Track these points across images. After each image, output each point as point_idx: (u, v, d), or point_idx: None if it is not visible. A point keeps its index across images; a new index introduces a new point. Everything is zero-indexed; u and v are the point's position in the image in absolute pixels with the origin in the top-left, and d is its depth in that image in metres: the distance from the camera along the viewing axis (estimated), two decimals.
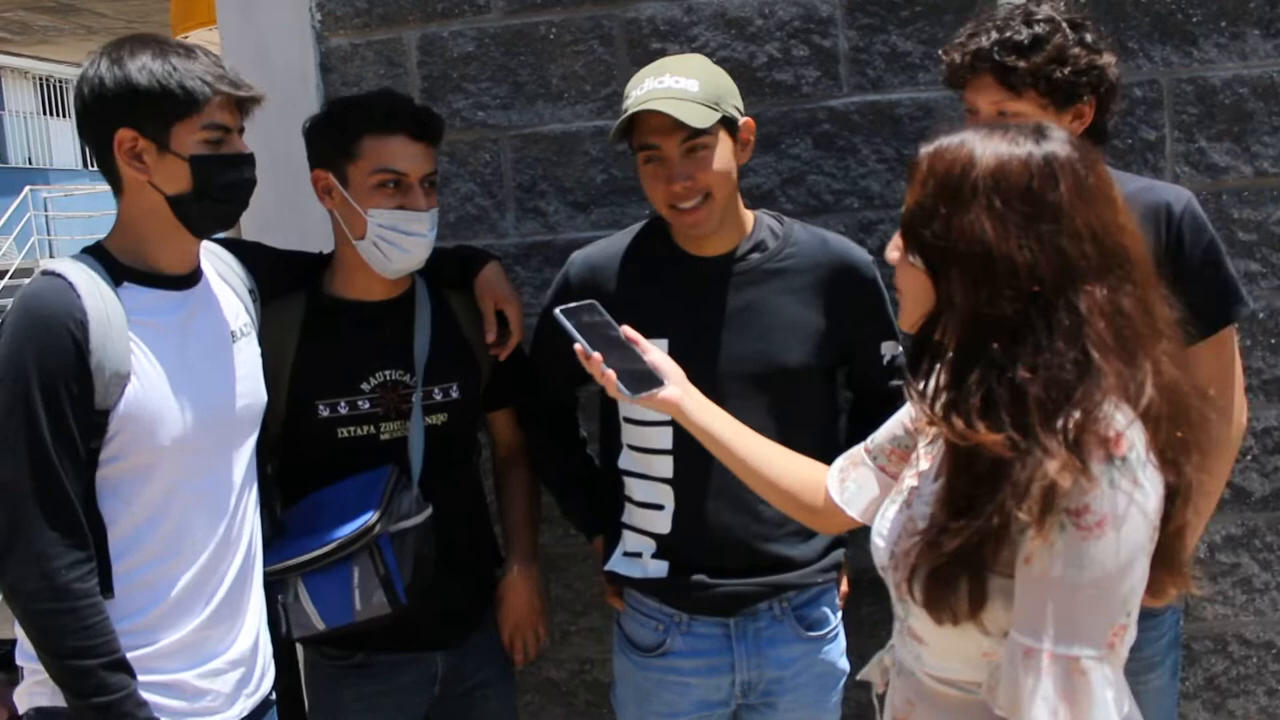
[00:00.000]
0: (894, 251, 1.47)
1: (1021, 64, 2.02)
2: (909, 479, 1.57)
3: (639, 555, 2.28)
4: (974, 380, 1.32)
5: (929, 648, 1.46)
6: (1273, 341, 2.70)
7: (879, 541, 1.55)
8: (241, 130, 1.96)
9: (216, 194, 1.92)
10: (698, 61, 2.23)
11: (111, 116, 1.87)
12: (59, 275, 1.84)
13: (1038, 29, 2.04)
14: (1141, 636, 2.20)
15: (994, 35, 2.05)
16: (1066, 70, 2.03)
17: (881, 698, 1.66)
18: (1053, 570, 1.27)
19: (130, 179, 1.90)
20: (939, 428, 1.40)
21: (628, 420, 2.25)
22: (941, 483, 1.40)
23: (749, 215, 2.28)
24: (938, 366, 1.41)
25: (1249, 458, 2.71)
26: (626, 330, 1.84)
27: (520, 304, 2.40)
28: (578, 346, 1.78)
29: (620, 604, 2.37)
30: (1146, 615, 2.18)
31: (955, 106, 2.57)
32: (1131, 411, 1.30)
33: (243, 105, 1.95)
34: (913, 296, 1.45)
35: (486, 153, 2.90)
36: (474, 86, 2.89)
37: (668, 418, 2.18)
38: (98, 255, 1.92)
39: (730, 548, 2.18)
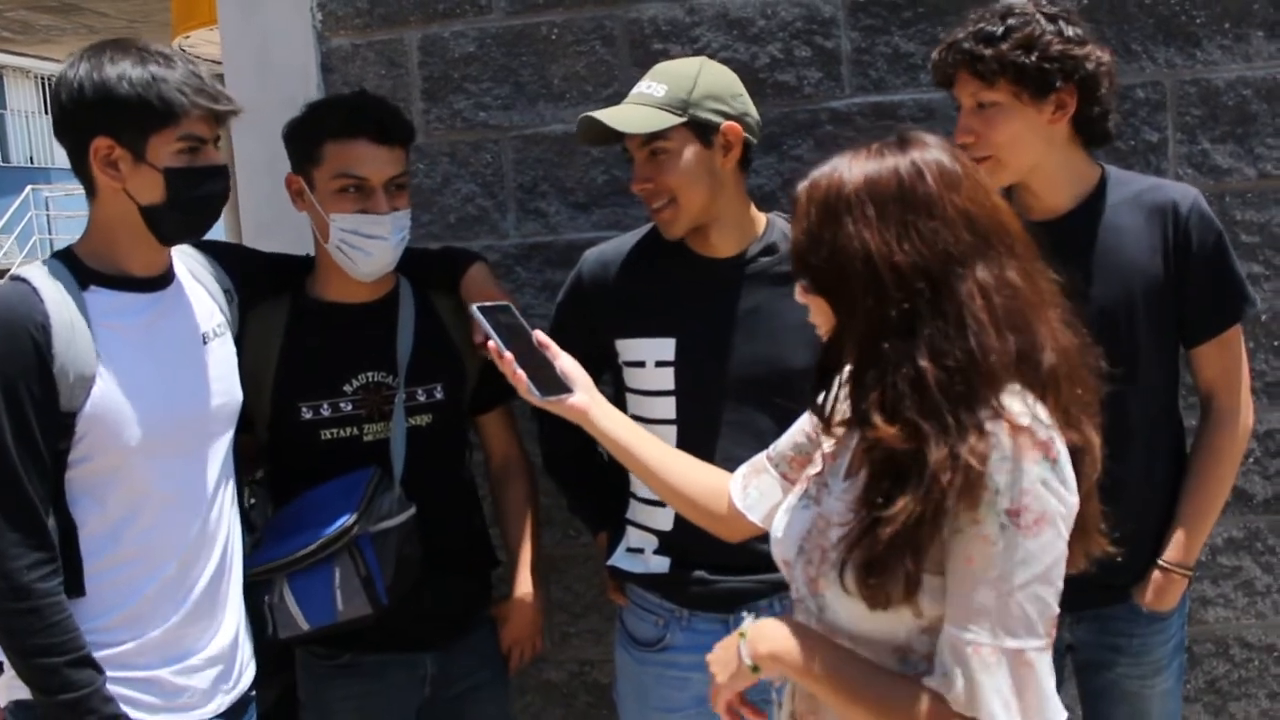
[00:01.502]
0: (799, 293, 1.53)
1: (988, 52, 2.05)
2: (810, 472, 1.63)
3: (641, 551, 2.29)
4: (870, 379, 1.39)
5: (840, 642, 1.49)
6: (1275, 344, 2.69)
7: (779, 534, 1.60)
8: (218, 139, 1.97)
9: (189, 205, 1.93)
10: (684, 66, 2.24)
11: (89, 123, 1.88)
12: (24, 280, 1.86)
13: (1010, 21, 2.07)
14: (1149, 640, 2.22)
15: (969, 29, 2.10)
16: (1034, 56, 2.04)
17: (779, 690, 1.70)
18: (995, 568, 1.32)
19: (104, 185, 1.91)
20: (830, 436, 1.49)
21: (634, 418, 2.25)
22: (861, 482, 1.44)
23: (760, 217, 2.29)
24: (837, 380, 1.49)
25: (1250, 460, 2.70)
26: (539, 335, 1.87)
27: (508, 296, 2.38)
28: (491, 344, 1.80)
29: (622, 599, 2.38)
30: (1154, 619, 2.20)
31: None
32: (1030, 394, 1.37)
33: (220, 116, 1.95)
34: (822, 325, 1.51)
35: (488, 153, 2.90)
36: (475, 87, 2.88)
37: (673, 417, 2.19)
38: (66, 259, 1.93)
39: (731, 545, 2.18)
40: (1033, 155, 2.12)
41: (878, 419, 1.36)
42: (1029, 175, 2.14)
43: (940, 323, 1.37)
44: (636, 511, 2.31)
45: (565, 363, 1.86)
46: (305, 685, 2.40)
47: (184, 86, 1.86)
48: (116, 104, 1.84)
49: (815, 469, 1.63)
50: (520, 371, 1.78)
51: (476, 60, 2.88)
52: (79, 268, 1.92)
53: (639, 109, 2.16)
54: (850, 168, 1.44)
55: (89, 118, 1.87)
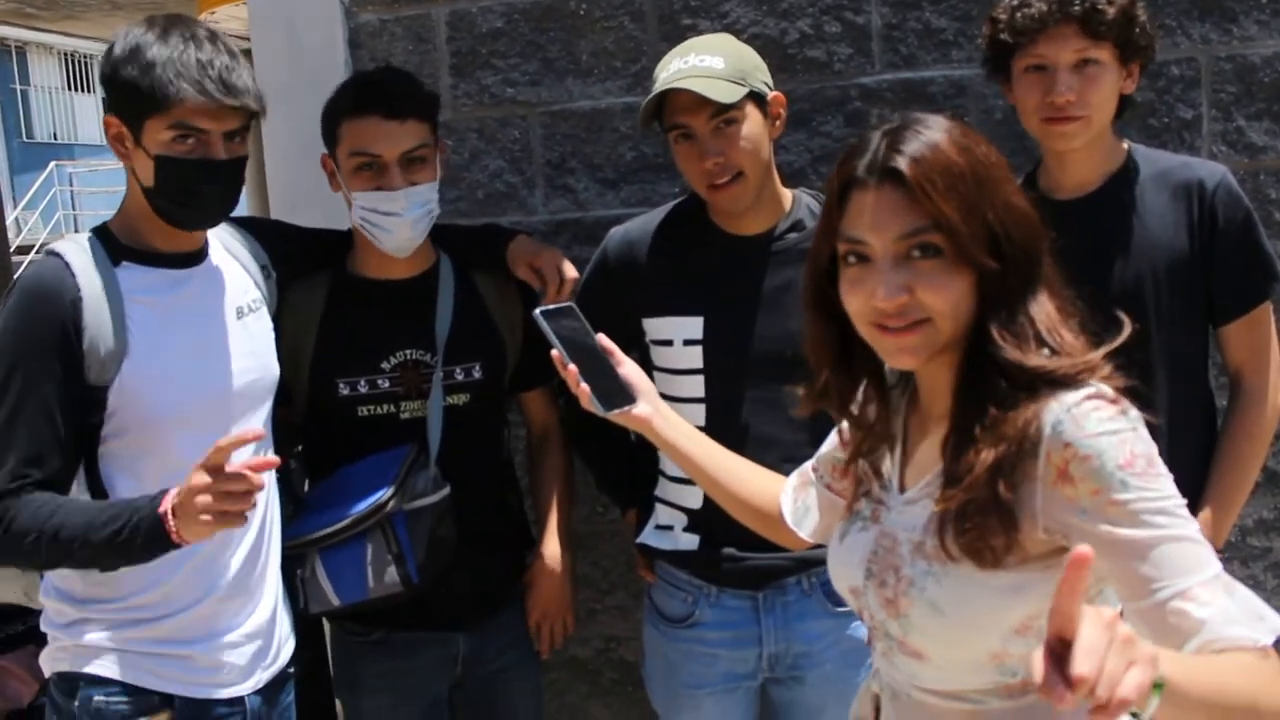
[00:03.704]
0: (938, 274, 1.36)
1: (1111, 9, 2.05)
2: (860, 494, 1.55)
3: (670, 528, 2.30)
4: (1023, 322, 1.34)
5: (930, 661, 1.43)
6: None
7: (845, 566, 1.53)
8: (238, 133, 1.91)
9: (178, 197, 1.90)
10: (723, 39, 2.24)
11: (106, 100, 1.92)
12: (57, 255, 1.89)
13: None
14: None
15: None
16: (1138, 23, 2.09)
17: None
18: (1144, 518, 1.24)
19: (121, 159, 1.94)
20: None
21: (662, 397, 2.25)
22: (949, 438, 1.38)
23: (787, 194, 2.28)
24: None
25: None
26: (602, 339, 1.81)
27: (556, 252, 2.35)
28: (555, 353, 1.76)
29: (651, 576, 2.39)
30: None
31: (988, 85, 2.54)
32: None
33: (234, 110, 1.90)
34: (954, 308, 1.35)
35: (515, 129, 2.89)
36: (503, 63, 2.87)
37: (702, 395, 2.19)
38: (101, 235, 1.95)
39: None
40: (1108, 120, 2.13)
41: (1033, 352, 1.32)
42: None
43: (1045, 285, 1.36)
44: (666, 489, 2.31)
45: (629, 370, 1.80)
46: (337, 661, 2.43)
47: (184, 74, 1.82)
48: (117, 84, 1.86)
49: (863, 490, 1.56)
50: (584, 385, 1.74)
51: (504, 36, 2.87)
52: (112, 243, 1.94)
53: (710, 80, 2.10)
54: (958, 136, 1.36)
55: (106, 94, 1.91)
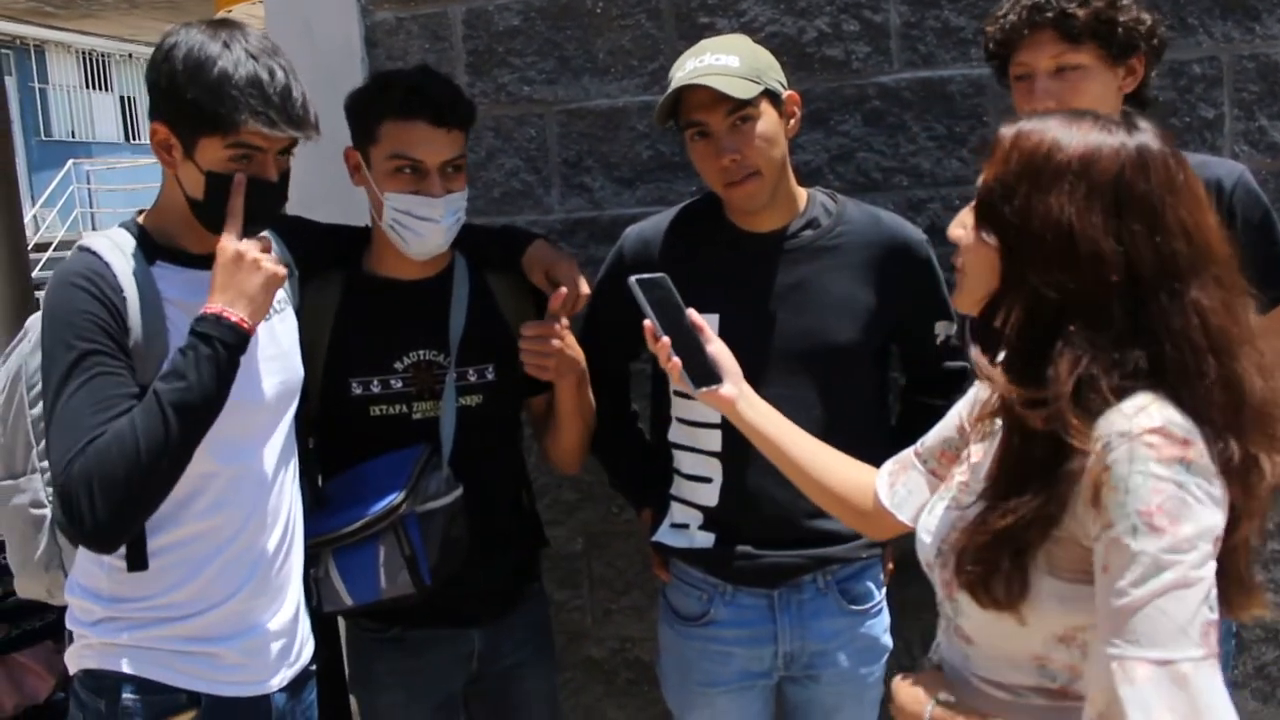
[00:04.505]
0: (959, 230, 1.46)
1: (1082, 12, 2.03)
2: (958, 475, 1.56)
3: (686, 527, 2.29)
4: (1062, 370, 1.29)
5: (977, 648, 1.46)
6: None
7: (926, 538, 1.54)
8: (286, 149, 1.91)
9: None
10: (737, 39, 2.24)
11: (156, 106, 1.88)
12: (95, 254, 1.86)
13: None
14: None
15: None
16: (1122, 19, 2.05)
17: None
18: (1133, 573, 1.22)
19: (165, 166, 1.92)
20: (1018, 413, 1.34)
21: (677, 394, 2.26)
22: (992, 464, 1.39)
23: (802, 193, 2.28)
24: (1002, 351, 1.40)
25: None
26: (693, 315, 1.80)
27: (573, 260, 2.33)
28: (647, 323, 1.74)
29: (666, 575, 2.39)
30: None
31: (1005, 81, 2.53)
32: (1189, 419, 1.27)
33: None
34: (977, 276, 1.42)
35: (532, 128, 2.89)
36: (519, 60, 2.87)
37: None
38: (134, 232, 1.93)
39: (776, 521, 2.20)
40: None
41: (1071, 417, 1.27)
42: None
43: (1131, 328, 1.29)
44: (681, 487, 2.30)
45: (716, 348, 1.80)
46: (353, 657, 2.43)
47: (252, 100, 1.80)
48: (177, 99, 1.82)
49: (962, 469, 1.55)
50: (676, 359, 1.71)
51: (521, 34, 2.86)
52: (146, 242, 1.92)
53: (726, 78, 2.10)
54: (1072, 131, 1.34)
55: (156, 99, 1.87)
